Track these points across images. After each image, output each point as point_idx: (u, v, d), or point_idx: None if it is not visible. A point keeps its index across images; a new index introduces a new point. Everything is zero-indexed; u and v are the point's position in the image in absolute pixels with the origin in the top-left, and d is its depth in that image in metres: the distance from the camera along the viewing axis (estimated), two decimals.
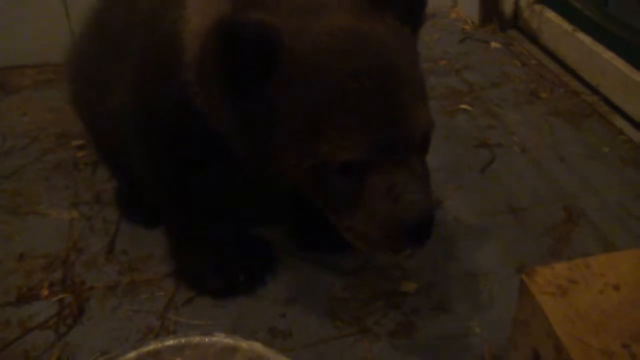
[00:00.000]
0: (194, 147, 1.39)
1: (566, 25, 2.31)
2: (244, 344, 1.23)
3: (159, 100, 1.34)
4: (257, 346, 1.22)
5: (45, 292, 1.52)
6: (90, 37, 1.58)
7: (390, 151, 1.14)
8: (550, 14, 2.40)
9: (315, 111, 1.13)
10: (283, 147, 1.18)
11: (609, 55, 2.12)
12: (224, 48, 1.11)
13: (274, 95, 1.14)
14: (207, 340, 1.24)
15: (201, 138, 1.35)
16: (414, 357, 1.36)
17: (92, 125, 1.69)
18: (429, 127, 1.24)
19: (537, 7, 2.46)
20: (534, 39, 2.51)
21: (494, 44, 2.55)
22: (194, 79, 1.27)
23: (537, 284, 1.00)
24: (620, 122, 2.06)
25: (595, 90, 2.19)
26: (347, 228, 1.22)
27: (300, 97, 1.13)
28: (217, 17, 1.21)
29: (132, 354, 1.21)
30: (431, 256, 1.59)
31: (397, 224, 1.15)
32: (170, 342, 1.24)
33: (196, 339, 1.24)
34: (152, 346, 1.23)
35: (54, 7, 2.36)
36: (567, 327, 0.93)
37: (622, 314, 0.96)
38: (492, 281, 1.52)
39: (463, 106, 2.16)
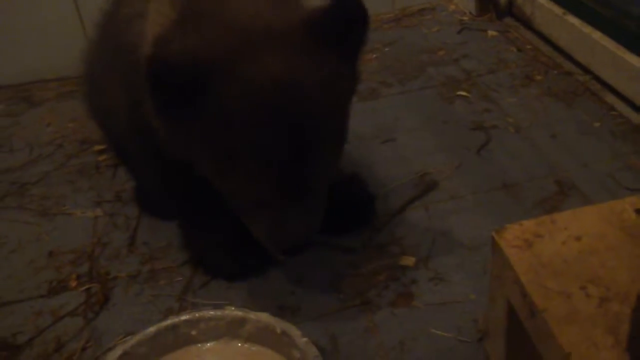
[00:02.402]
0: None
1: (557, 9, 2.40)
2: (252, 315, 1.35)
3: (133, 107, 1.42)
4: (264, 316, 1.34)
5: (73, 284, 1.66)
6: (95, 41, 1.70)
7: (289, 194, 1.30)
8: (542, 0, 2.49)
9: (231, 153, 1.24)
10: (203, 168, 1.33)
11: (597, 35, 2.21)
12: (152, 81, 1.19)
13: (196, 125, 1.24)
14: (218, 313, 1.36)
15: None
16: (413, 323, 1.47)
17: (104, 127, 1.82)
18: (329, 176, 1.39)
19: None
20: (528, 24, 2.60)
21: (490, 33, 2.64)
22: None
23: (505, 240, 1.11)
24: (610, 99, 2.15)
25: (587, 70, 2.28)
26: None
27: (218, 135, 1.23)
28: (161, 30, 1.29)
29: (152, 329, 1.34)
30: (429, 232, 1.70)
31: (281, 243, 1.38)
32: (186, 317, 1.36)
33: (209, 312, 1.37)
34: (170, 321, 1.36)
35: (71, 25, 2.52)
36: (531, 275, 1.04)
37: (581, 260, 1.06)
38: (485, 252, 1.62)
39: (461, 93, 2.26)
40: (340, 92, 1.32)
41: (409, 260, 1.62)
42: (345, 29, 1.27)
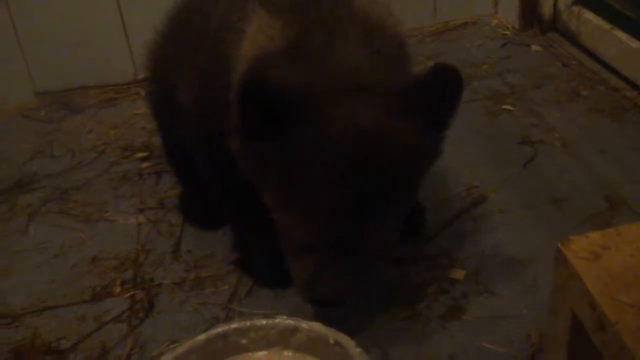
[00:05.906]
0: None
1: (604, 24, 2.37)
2: (305, 325, 1.32)
3: (210, 109, 1.44)
4: (317, 326, 1.31)
5: (117, 290, 1.64)
6: (170, 37, 1.69)
7: (338, 247, 1.30)
8: (589, 15, 2.46)
9: (298, 188, 1.26)
10: (265, 194, 1.34)
11: None
12: (246, 98, 1.21)
13: (272, 152, 1.25)
14: (270, 322, 1.34)
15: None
16: (464, 336, 1.44)
17: (165, 128, 1.81)
18: (387, 244, 1.39)
19: (575, 9, 2.52)
20: (573, 39, 2.56)
21: (534, 47, 2.61)
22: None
23: (572, 251, 1.07)
24: None
25: (635, 86, 2.24)
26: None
27: (292, 168, 1.25)
28: (262, 53, 1.31)
29: (202, 337, 1.31)
30: (478, 245, 1.67)
31: (313, 292, 1.37)
32: (236, 325, 1.34)
33: (260, 321, 1.34)
34: (220, 329, 1.33)
35: (114, 33, 2.52)
36: (600, 287, 1.01)
37: None
38: (536, 266, 1.59)
39: (506, 107, 2.24)
40: (417, 164, 1.34)
41: (459, 274, 1.60)
42: (438, 99, 1.28)
